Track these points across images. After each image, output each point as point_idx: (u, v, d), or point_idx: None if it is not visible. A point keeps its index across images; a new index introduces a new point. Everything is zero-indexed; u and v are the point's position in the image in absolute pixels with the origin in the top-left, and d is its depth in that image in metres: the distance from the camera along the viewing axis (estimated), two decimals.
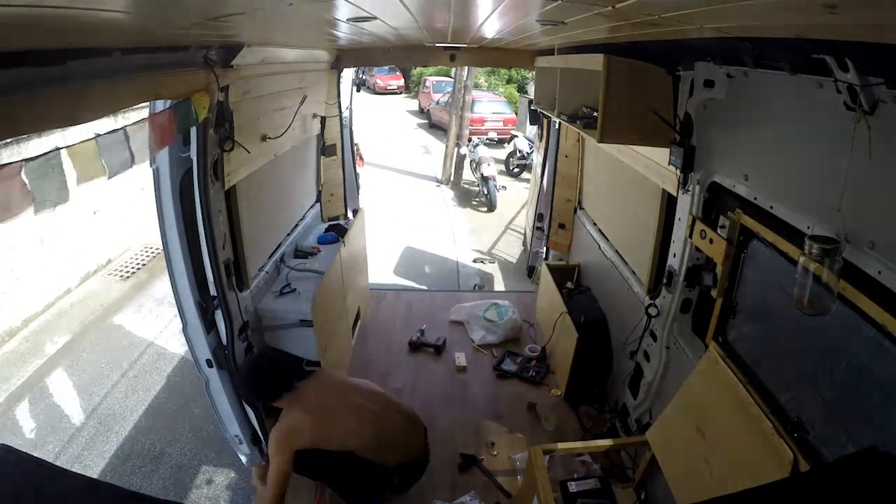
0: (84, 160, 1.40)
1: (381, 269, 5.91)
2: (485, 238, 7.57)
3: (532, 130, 7.65)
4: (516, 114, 14.22)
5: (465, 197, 9.54)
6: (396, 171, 11.07)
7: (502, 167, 10.75)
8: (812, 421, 1.50)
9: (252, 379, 2.30)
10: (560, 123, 3.88)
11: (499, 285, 6.06)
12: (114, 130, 1.54)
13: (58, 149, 1.31)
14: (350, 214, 4.62)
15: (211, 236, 2.30)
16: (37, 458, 1.44)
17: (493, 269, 6.59)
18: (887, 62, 1.05)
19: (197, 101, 1.95)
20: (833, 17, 0.77)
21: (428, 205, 9.10)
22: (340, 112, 4.29)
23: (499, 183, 9.03)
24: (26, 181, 1.21)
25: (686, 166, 2.11)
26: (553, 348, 3.64)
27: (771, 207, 1.61)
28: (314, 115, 3.83)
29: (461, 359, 3.71)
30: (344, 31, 2.08)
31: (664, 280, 2.40)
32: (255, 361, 2.46)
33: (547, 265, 4.11)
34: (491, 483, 2.67)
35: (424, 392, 3.40)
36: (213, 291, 2.41)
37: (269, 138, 2.84)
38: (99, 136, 1.47)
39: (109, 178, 1.50)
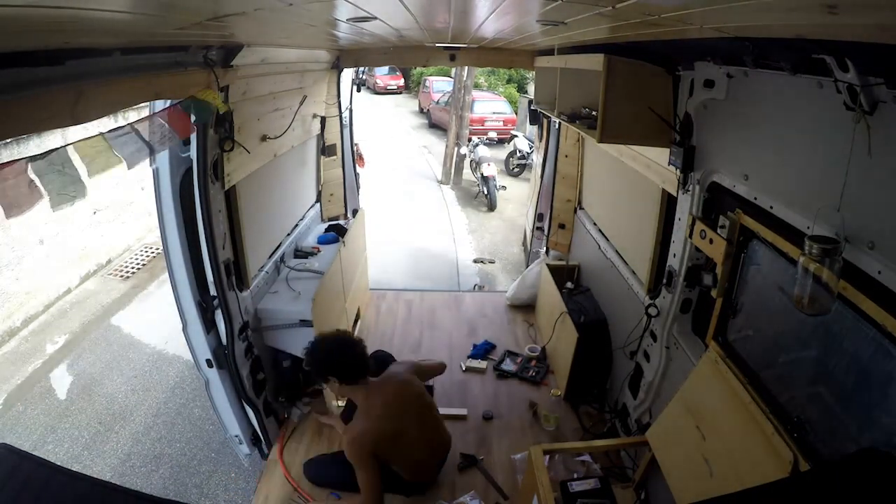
0: (92, 154, 1.43)
1: (382, 269, 5.90)
2: (485, 238, 7.57)
3: (532, 130, 7.65)
4: (516, 114, 14.21)
5: (466, 197, 9.54)
6: (397, 170, 11.07)
7: (502, 167, 10.74)
8: (812, 421, 1.50)
9: (338, 354, 2.22)
10: (560, 123, 3.88)
11: (499, 285, 6.06)
12: (120, 127, 1.56)
13: (65, 145, 1.33)
14: (350, 214, 4.62)
15: (211, 236, 2.30)
16: (37, 457, 1.45)
17: (493, 268, 6.59)
18: (887, 62, 1.05)
19: (209, 97, 1.98)
20: (833, 17, 0.77)
21: (428, 205, 9.09)
22: (340, 112, 4.29)
23: (499, 183, 9.03)
24: (34, 178, 1.23)
25: (686, 166, 2.11)
26: (553, 348, 3.64)
27: (771, 207, 1.61)
28: (314, 115, 3.84)
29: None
30: (344, 32, 2.08)
31: (664, 280, 2.40)
32: (345, 339, 2.30)
33: (547, 265, 4.11)
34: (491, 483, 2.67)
35: None
36: (213, 291, 2.41)
37: (269, 138, 2.84)
38: (103, 134, 1.49)
39: (129, 168, 1.60)
